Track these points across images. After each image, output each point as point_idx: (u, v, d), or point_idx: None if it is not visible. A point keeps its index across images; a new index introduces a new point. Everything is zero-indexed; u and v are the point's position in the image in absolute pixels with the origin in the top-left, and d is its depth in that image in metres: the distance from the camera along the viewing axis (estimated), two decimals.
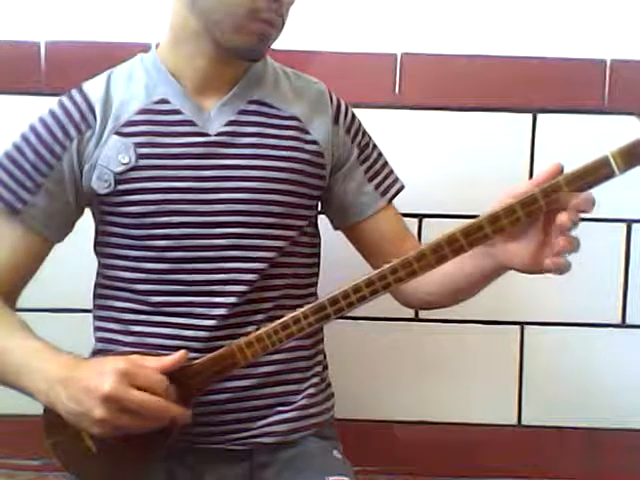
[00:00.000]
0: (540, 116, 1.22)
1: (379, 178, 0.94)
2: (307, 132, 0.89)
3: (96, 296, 0.91)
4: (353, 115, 0.94)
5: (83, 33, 1.20)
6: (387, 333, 1.25)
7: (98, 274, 0.91)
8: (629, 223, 1.24)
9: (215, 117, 0.86)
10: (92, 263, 0.91)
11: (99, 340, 0.90)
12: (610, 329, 1.25)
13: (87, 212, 0.90)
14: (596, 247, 1.21)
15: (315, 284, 0.95)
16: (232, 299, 0.84)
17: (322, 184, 0.90)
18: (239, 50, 0.82)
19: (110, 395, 0.68)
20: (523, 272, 0.72)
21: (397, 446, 1.28)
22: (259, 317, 0.85)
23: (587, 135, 1.20)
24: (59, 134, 0.84)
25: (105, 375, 0.69)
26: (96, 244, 0.91)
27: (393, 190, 0.94)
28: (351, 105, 0.95)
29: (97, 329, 0.90)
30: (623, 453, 1.27)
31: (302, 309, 0.74)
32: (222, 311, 0.84)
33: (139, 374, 0.71)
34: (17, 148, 0.85)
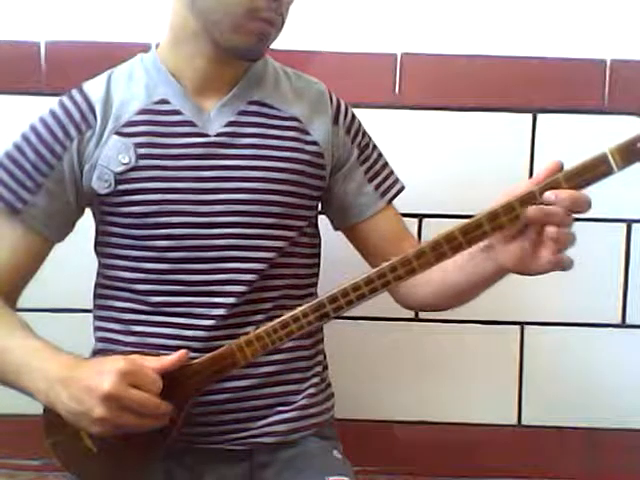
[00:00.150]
0: (540, 116, 1.22)
1: (379, 179, 0.94)
2: (307, 133, 0.88)
3: (96, 296, 0.91)
4: (353, 115, 0.94)
5: (83, 33, 1.20)
6: (387, 333, 1.25)
7: (98, 274, 0.91)
8: (629, 223, 1.24)
9: (215, 118, 0.86)
10: (92, 263, 0.91)
11: (99, 340, 0.90)
12: (610, 329, 1.25)
13: (87, 212, 0.90)
14: (596, 247, 1.21)
15: (315, 284, 0.95)
16: (232, 299, 0.84)
17: (322, 185, 0.90)
18: (238, 50, 0.82)
19: (110, 394, 0.69)
20: (525, 274, 0.72)
21: (397, 446, 1.28)
22: (259, 317, 0.85)
23: (587, 135, 1.20)
24: (59, 134, 0.84)
25: (105, 374, 0.69)
26: (96, 244, 0.91)
27: (393, 191, 0.94)
28: (351, 105, 0.95)
29: (97, 329, 0.90)
30: (623, 453, 1.27)
31: (301, 307, 0.74)
32: (222, 311, 0.84)
33: (139, 373, 0.71)
34: (18, 148, 0.85)
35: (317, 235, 0.95)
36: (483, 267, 0.77)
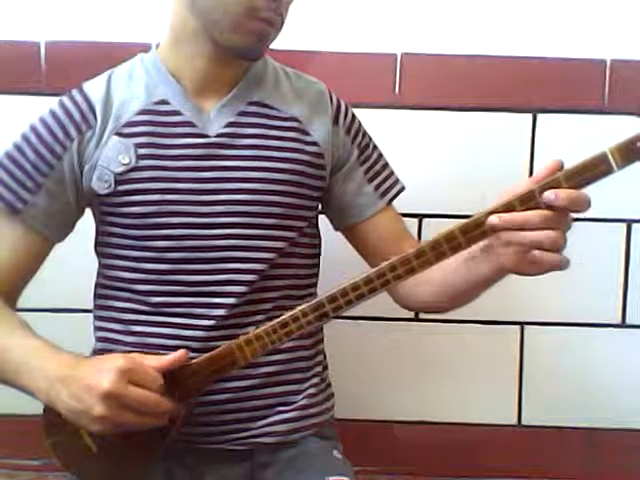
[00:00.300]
0: (540, 116, 1.22)
1: (379, 179, 0.94)
2: (307, 133, 0.88)
3: (96, 296, 0.91)
4: (353, 115, 0.94)
5: (83, 33, 1.20)
6: (387, 333, 1.25)
7: (98, 274, 0.91)
8: (629, 223, 1.24)
9: (215, 118, 0.86)
10: (92, 263, 0.91)
11: (99, 340, 0.90)
12: (610, 329, 1.25)
13: (87, 212, 0.90)
14: (596, 247, 1.21)
15: (315, 284, 0.95)
16: (232, 300, 0.84)
17: (322, 185, 0.90)
18: (238, 49, 0.82)
19: (110, 392, 0.69)
20: (524, 274, 0.72)
21: (397, 446, 1.28)
22: (259, 318, 0.85)
23: (587, 135, 1.20)
24: (60, 134, 0.84)
25: (105, 372, 0.69)
26: (96, 244, 0.91)
27: (393, 191, 0.94)
28: (351, 105, 0.95)
29: (97, 329, 0.90)
30: (623, 453, 1.27)
31: (301, 307, 0.74)
32: (222, 312, 0.84)
33: (139, 371, 0.71)
34: (18, 148, 0.85)
35: (317, 235, 0.95)
36: (483, 267, 0.76)
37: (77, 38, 1.20)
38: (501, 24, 1.20)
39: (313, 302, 0.73)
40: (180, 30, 0.84)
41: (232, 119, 0.86)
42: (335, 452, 0.90)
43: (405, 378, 1.27)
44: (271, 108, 0.88)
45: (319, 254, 0.96)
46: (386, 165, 0.96)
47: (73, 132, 0.84)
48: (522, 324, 1.26)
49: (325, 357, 0.97)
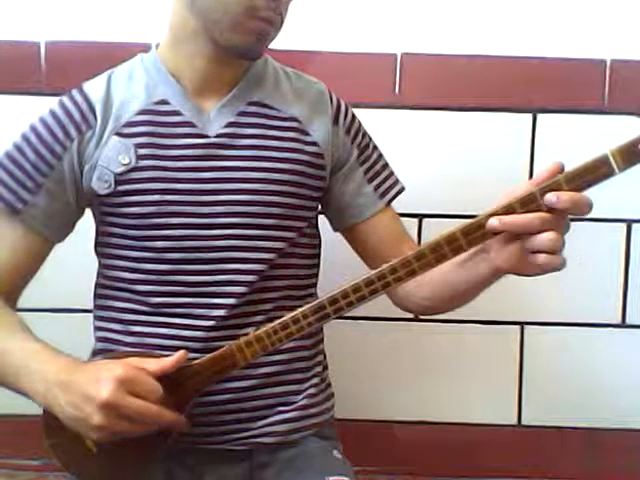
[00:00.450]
0: (540, 116, 1.22)
1: (379, 179, 0.93)
2: (307, 133, 0.88)
3: (96, 296, 0.91)
4: (353, 115, 0.94)
5: (83, 33, 1.20)
6: (387, 333, 1.25)
7: (98, 274, 0.91)
8: (629, 223, 1.23)
9: (214, 118, 0.85)
10: (92, 263, 0.91)
11: (99, 340, 0.90)
12: (610, 329, 1.25)
13: (87, 212, 0.90)
14: (596, 247, 1.21)
15: (315, 285, 0.95)
16: (231, 300, 0.84)
17: (322, 185, 0.90)
18: (237, 49, 0.81)
19: (109, 403, 0.68)
20: (522, 275, 0.72)
21: (397, 446, 1.28)
22: (258, 318, 0.85)
23: (587, 135, 1.20)
24: (60, 134, 0.84)
25: (103, 382, 0.69)
26: (96, 244, 0.91)
27: (393, 192, 0.94)
28: (351, 105, 0.95)
29: (97, 329, 0.90)
30: (623, 453, 1.27)
31: (301, 309, 0.74)
32: (221, 312, 0.84)
33: (137, 381, 0.71)
34: (17, 148, 0.85)
35: (317, 236, 0.95)
36: (479, 268, 0.76)
37: (77, 38, 1.20)
38: (501, 24, 1.20)
39: (314, 304, 0.73)
40: (180, 30, 0.84)
41: (232, 119, 0.86)
42: (335, 452, 0.90)
43: (405, 378, 1.27)
44: (271, 108, 0.88)
45: (319, 254, 0.96)
46: (386, 165, 0.96)
47: (73, 132, 0.84)
48: (522, 324, 1.26)
49: (325, 357, 0.97)
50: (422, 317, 1.24)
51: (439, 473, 1.27)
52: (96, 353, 0.89)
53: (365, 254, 0.95)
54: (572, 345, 1.26)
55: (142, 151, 0.83)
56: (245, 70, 0.88)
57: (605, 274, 1.24)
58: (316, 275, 0.95)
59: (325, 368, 0.96)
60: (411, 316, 1.24)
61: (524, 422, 1.28)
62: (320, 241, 0.96)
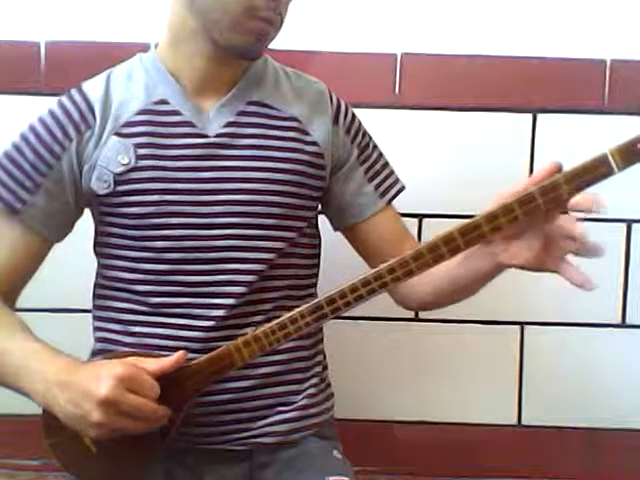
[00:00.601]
0: (540, 116, 1.22)
1: (379, 179, 0.93)
2: (307, 133, 0.88)
3: (96, 296, 0.91)
4: (353, 115, 0.94)
5: (83, 33, 1.20)
6: (387, 333, 1.25)
7: (98, 274, 0.91)
8: (629, 223, 1.23)
9: (214, 118, 0.85)
10: (92, 263, 0.91)
11: (98, 340, 0.90)
12: (610, 329, 1.25)
13: (87, 212, 0.90)
14: None
15: (315, 285, 0.95)
16: (231, 300, 0.84)
17: (322, 185, 0.90)
18: (237, 49, 0.81)
19: (108, 399, 0.68)
20: (527, 270, 0.72)
21: (397, 446, 1.27)
22: (258, 318, 0.85)
23: (587, 135, 1.20)
24: (58, 134, 0.84)
25: (103, 379, 0.69)
26: (95, 244, 0.91)
27: (393, 191, 0.94)
28: (351, 105, 0.95)
29: (97, 329, 0.90)
30: (623, 453, 1.27)
31: (299, 309, 0.74)
32: (221, 312, 0.84)
33: (136, 378, 0.71)
34: (16, 148, 0.85)
35: (317, 236, 0.95)
36: (481, 264, 0.76)
37: (77, 38, 1.20)
38: (501, 24, 1.20)
39: (311, 304, 0.73)
40: (179, 30, 0.84)
41: (232, 119, 0.86)
42: (335, 452, 0.90)
43: (405, 378, 1.27)
44: (271, 108, 0.88)
45: (319, 254, 0.96)
46: (386, 165, 0.96)
47: (72, 132, 0.84)
48: (522, 324, 1.26)
49: (325, 357, 0.97)
50: (422, 317, 1.24)
51: (439, 473, 1.27)
52: (95, 353, 0.89)
53: (366, 253, 0.95)
54: (572, 345, 1.26)
55: (141, 151, 0.83)
56: (245, 70, 0.88)
57: (605, 274, 1.24)
58: (316, 275, 0.95)
59: (325, 368, 0.96)
60: (411, 316, 1.24)
61: (524, 422, 1.28)
62: (320, 241, 0.96)
